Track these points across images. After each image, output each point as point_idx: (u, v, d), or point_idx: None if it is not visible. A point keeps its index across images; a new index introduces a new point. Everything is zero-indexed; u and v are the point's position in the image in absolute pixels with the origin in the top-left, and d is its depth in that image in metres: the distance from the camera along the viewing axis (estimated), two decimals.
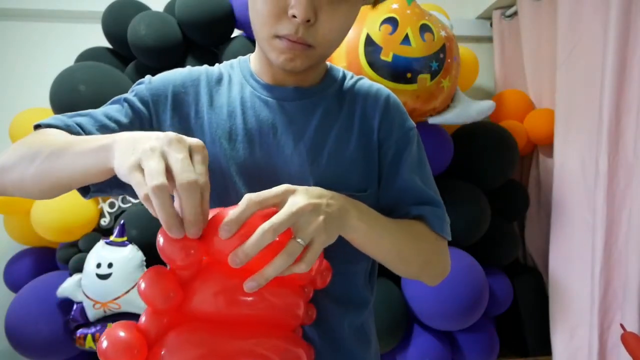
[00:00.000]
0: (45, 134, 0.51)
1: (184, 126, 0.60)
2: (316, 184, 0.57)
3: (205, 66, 0.65)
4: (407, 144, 0.63)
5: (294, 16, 0.49)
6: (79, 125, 0.54)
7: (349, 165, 0.60)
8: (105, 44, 1.70)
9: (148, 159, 0.37)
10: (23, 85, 1.91)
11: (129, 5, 1.63)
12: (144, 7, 1.65)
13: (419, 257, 0.58)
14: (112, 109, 0.58)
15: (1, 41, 1.94)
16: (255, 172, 0.58)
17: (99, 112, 0.58)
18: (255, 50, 0.64)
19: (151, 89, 0.61)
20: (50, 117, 0.55)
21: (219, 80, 0.63)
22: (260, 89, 0.61)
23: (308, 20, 0.49)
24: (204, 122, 0.60)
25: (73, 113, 0.57)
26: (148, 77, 0.63)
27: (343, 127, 0.61)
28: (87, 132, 0.54)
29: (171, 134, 0.40)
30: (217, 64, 0.67)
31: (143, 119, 0.59)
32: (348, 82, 0.65)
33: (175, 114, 0.60)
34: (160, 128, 0.60)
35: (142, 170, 0.37)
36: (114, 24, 1.61)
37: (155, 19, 1.53)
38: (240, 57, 0.67)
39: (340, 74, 0.66)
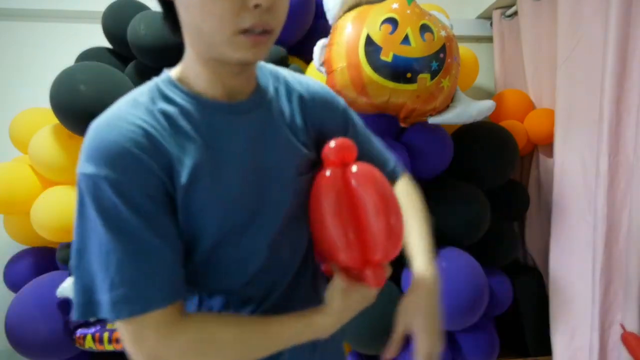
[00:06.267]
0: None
1: (174, 192, 0.52)
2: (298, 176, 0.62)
3: (132, 114, 0.51)
4: None
5: (257, 6, 0.47)
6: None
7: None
8: (106, 44, 1.70)
9: None
10: (23, 85, 1.91)
11: (129, 5, 1.63)
12: (144, 7, 1.65)
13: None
14: (150, 227, 0.49)
15: (1, 41, 1.94)
16: (253, 196, 0.57)
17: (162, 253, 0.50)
18: (193, 70, 0.57)
19: (129, 172, 0.48)
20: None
21: (158, 121, 0.52)
22: (218, 111, 0.56)
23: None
24: (188, 173, 0.52)
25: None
26: (93, 169, 0.48)
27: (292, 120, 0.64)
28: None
29: None
30: (130, 113, 0.51)
31: (169, 201, 0.52)
32: (277, 80, 0.65)
33: (169, 180, 0.52)
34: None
35: None
36: (114, 24, 1.61)
37: (155, 19, 1.53)
38: (151, 86, 0.56)
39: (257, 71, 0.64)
